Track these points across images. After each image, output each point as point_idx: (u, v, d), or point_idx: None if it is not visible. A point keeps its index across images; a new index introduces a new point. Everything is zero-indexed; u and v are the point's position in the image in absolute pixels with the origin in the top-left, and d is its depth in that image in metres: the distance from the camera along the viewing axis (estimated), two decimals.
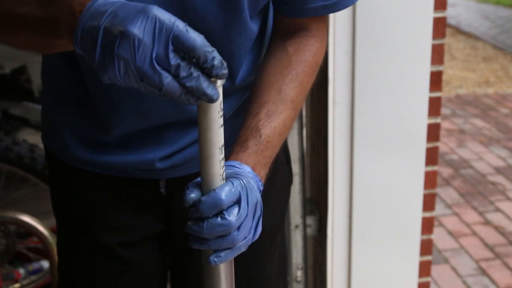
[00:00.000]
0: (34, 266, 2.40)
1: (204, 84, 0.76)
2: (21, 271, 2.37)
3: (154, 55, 0.74)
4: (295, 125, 1.91)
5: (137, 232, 1.18)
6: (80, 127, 1.11)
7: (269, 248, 1.25)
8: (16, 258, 2.44)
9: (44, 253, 2.38)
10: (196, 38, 0.75)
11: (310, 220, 1.98)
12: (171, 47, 0.74)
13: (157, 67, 0.74)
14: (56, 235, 1.29)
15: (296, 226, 1.95)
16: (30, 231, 2.30)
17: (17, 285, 2.35)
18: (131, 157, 1.10)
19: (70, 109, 1.11)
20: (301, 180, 1.94)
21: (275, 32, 1.12)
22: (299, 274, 2.00)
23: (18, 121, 2.74)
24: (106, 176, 1.13)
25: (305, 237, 1.97)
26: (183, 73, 0.75)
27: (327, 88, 1.78)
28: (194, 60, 0.76)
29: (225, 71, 0.77)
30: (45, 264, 2.41)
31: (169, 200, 1.16)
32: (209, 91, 0.76)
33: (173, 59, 0.74)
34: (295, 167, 1.92)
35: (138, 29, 0.74)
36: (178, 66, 0.74)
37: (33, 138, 2.53)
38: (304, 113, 1.99)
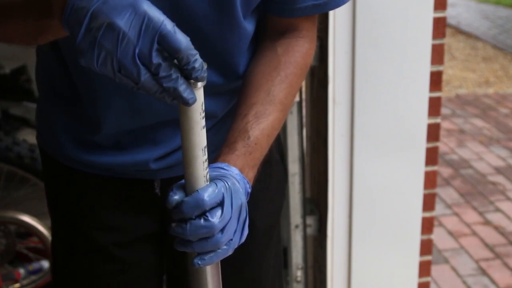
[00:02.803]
0: (34, 266, 2.40)
1: (182, 87, 0.76)
2: (21, 271, 2.37)
3: (137, 51, 0.74)
4: (295, 125, 1.91)
5: (133, 233, 1.18)
6: (73, 126, 1.11)
7: (264, 247, 1.25)
8: (16, 258, 2.44)
9: (44, 253, 2.38)
10: (182, 40, 0.74)
11: (310, 220, 1.98)
12: (155, 45, 0.74)
13: (138, 62, 0.74)
14: (50, 235, 1.29)
15: (296, 226, 1.95)
16: (30, 231, 2.31)
17: (17, 285, 2.35)
18: (125, 158, 1.10)
19: (63, 108, 1.11)
20: (301, 180, 1.94)
21: (264, 32, 1.11)
22: (299, 274, 2.00)
23: (18, 121, 2.74)
24: (102, 176, 1.13)
25: (305, 237, 1.97)
26: (162, 73, 0.75)
27: (327, 87, 1.78)
28: (175, 61, 0.75)
29: (205, 75, 0.77)
30: (45, 264, 2.41)
31: (164, 201, 1.16)
32: (185, 94, 0.76)
33: (156, 58, 0.74)
34: (295, 167, 1.92)
35: (125, 23, 0.73)
36: (158, 66, 0.74)
37: (33, 138, 2.52)
38: (304, 113, 1.99)
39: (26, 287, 2.38)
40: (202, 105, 0.78)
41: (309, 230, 1.99)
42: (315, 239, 2.05)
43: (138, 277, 1.22)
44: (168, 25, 0.74)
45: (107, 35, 0.74)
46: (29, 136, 2.57)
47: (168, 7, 0.95)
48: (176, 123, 1.06)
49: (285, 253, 1.99)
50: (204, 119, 0.79)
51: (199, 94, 0.78)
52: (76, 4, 0.76)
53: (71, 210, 1.19)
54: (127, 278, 1.21)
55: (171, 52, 0.75)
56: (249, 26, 1.06)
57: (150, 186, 1.15)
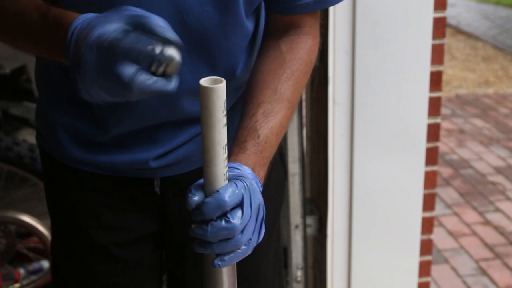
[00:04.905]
0: (34, 266, 2.40)
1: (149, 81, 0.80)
2: (21, 271, 2.37)
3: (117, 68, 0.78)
4: (295, 125, 1.91)
5: (133, 232, 1.18)
6: (75, 127, 1.11)
7: (264, 246, 1.25)
8: (16, 258, 2.44)
9: (44, 253, 2.38)
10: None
11: (310, 220, 1.98)
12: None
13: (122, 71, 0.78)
14: (50, 235, 1.29)
15: (296, 226, 1.95)
16: (30, 231, 2.31)
17: (17, 285, 2.35)
18: (125, 156, 1.10)
19: (65, 109, 1.11)
20: (301, 180, 1.94)
21: (267, 30, 1.11)
22: (299, 274, 2.00)
23: (18, 121, 2.74)
24: (101, 175, 1.14)
25: (305, 237, 1.97)
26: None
27: (327, 87, 1.78)
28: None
29: (170, 54, 0.80)
30: (45, 264, 2.41)
31: (163, 200, 1.16)
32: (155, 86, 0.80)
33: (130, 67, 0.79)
34: (295, 167, 1.92)
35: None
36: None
37: (33, 138, 2.52)
38: (304, 113, 1.99)
39: (26, 287, 2.38)
40: (224, 103, 0.78)
41: (309, 230, 1.99)
42: (315, 239, 2.05)
43: (138, 277, 1.22)
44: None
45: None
46: (29, 136, 2.57)
47: (172, 14, 0.95)
48: (175, 123, 1.07)
49: (285, 253, 1.99)
50: (226, 117, 0.79)
51: (222, 91, 0.77)
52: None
53: (70, 209, 1.19)
54: (127, 278, 1.21)
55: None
56: (250, 25, 1.07)
57: (149, 185, 1.15)
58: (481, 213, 3.42)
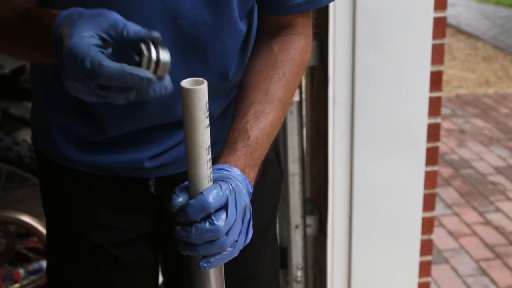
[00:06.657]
0: (34, 266, 2.40)
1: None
2: (21, 271, 2.37)
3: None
4: (295, 125, 1.91)
5: (129, 232, 1.18)
6: (72, 128, 1.11)
7: (260, 246, 1.25)
8: (16, 258, 2.44)
9: (44, 253, 2.38)
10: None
11: (310, 220, 1.98)
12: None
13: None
14: (47, 236, 1.28)
15: (296, 226, 1.95)
16: (30, 231, 2.31)
17: (17, 285, 2.35)
18: (120, 156, 1.10)
19: (61, 110, 1.11)
20: (301, 180, 1.94)
21: (260, 31, 1.11)
22: (299, 274, 2.00)
23: (18, 121, 2.74)
24: (99, 176, 1.14)
25: (305, 237, 1.97)
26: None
27: (327, 87, 1.78)
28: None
29: (163, 57, 0.79)
30: (45, 264, 2.40)
31: (159, 200, 1.16)
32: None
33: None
34: (295, 167, 1.92)
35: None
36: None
37: None
38: (304, 113, 1.99)
39: (26, 287, 2.38)
40: (206, 104, 0.78)
41: (309, 230, 1.99)
42: (315, 239, 2.05)
43: (136, 277, 1.22)
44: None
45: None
46: (29, 136, 2.57)
47: (166, 18, 0.95)
48: (170, 125, 1.08)
49: (285, 253, 1.99)
50: (208, 118, 0.79)
51: (203, 92, 0.77)
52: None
53: (67, 209, 1.19)
54: (125, 278, 1.20)
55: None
56: (243, 27, 1.07)
57: (145, 185, 1.15)
58: (481, 213, 3.42)
